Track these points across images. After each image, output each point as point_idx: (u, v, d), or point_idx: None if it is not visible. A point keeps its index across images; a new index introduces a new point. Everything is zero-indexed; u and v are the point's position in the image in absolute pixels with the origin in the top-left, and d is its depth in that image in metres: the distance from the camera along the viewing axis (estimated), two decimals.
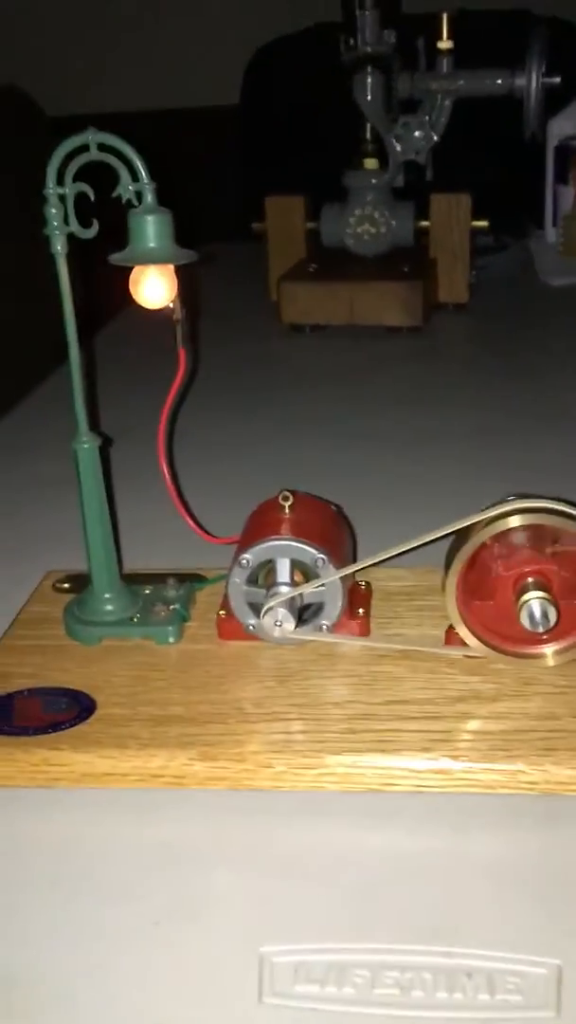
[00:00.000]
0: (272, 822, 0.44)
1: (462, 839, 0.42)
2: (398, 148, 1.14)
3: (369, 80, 1.11)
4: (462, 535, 0.47)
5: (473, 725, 0.45)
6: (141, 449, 0.61)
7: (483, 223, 1.19)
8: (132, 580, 0.56)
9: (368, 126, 1.15)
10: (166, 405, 0.52)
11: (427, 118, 1.14)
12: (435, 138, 1.13)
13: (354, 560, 0.55)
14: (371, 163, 1.17)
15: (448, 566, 0.48)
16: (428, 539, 0.48)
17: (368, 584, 0.55)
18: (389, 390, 0.98)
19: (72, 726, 0.46)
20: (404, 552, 0.48)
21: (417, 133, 1.14)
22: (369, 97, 1.12)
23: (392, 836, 0.43)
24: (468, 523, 0.47)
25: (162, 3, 2.76)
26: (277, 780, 0.44)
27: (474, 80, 1.13)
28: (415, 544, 0.47)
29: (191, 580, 0.57)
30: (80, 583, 0.57)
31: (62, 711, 0.47)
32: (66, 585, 0.58)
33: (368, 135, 1.16)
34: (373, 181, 1.17)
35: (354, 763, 0.43)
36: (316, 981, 0.36)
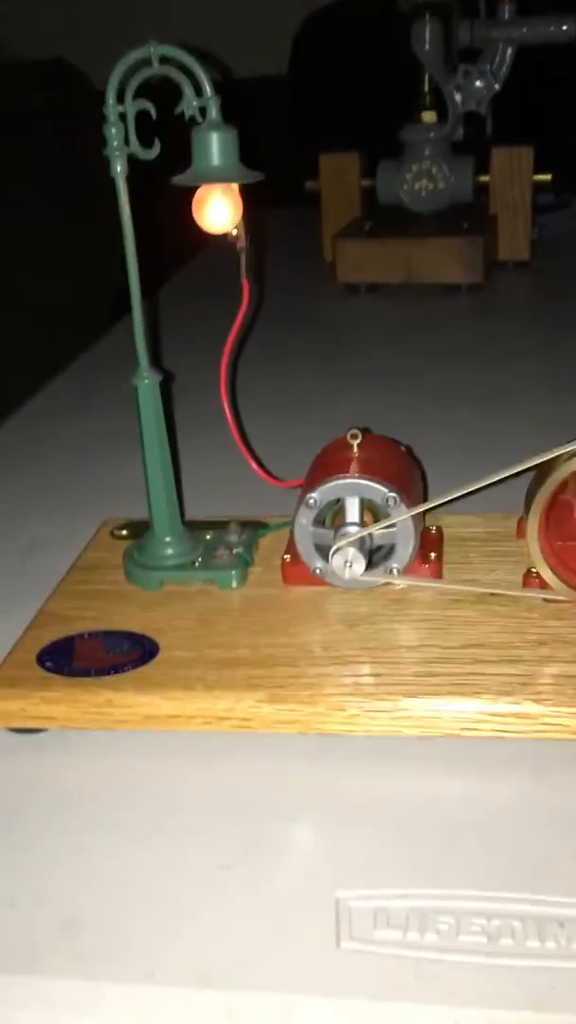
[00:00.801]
0: (343, 768, 0.42)
1: (543, 787, 0.40)
2: (458, 98, 1.10)
3: (428, 28, 1.08)
4: (543, 471, 0.45)
5: (556, 669, 0.42)
6: (201, 404, 0.60)
7: (546, 177, 1.15)
8: (193, 527, 0.54)
9: (426, 77, 1.12)
10: (230, 337, 0.50)
11: (488, 67, 1.10)
12: (496, 87, 1.10)
13: (424, 494, 0.53)
14: (429, 116, 1.13)
15: (528, 505, 0.45)
16: (506, 474, 0.45)
17: (439, 529, 0.52)
18: (451, 346, 0.95)
19: (135, 668, 0.45)
20: (482, 488, 0.45)
21: (478, 83, 1.10)
22: (428, 46, 1.08)
23: (471, 783, 0.41)
24: (548, 457, 0.44)
25: None
26: (350, 724, 0.42)
27: (537, 27, 1.10)
28: (493, 479, 0.45)
29: (253, 526, 0.55)
30: (138, 529, 0.56)
31: (124, 653, 0.46)
32: (124, 532, 0.57)
33: (426, 87, 1.13)
34: (431, 135, 1.14)
35: (431, 706, 0.41)
36: (397, 927, 0.34)
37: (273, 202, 1.60)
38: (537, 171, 1.14)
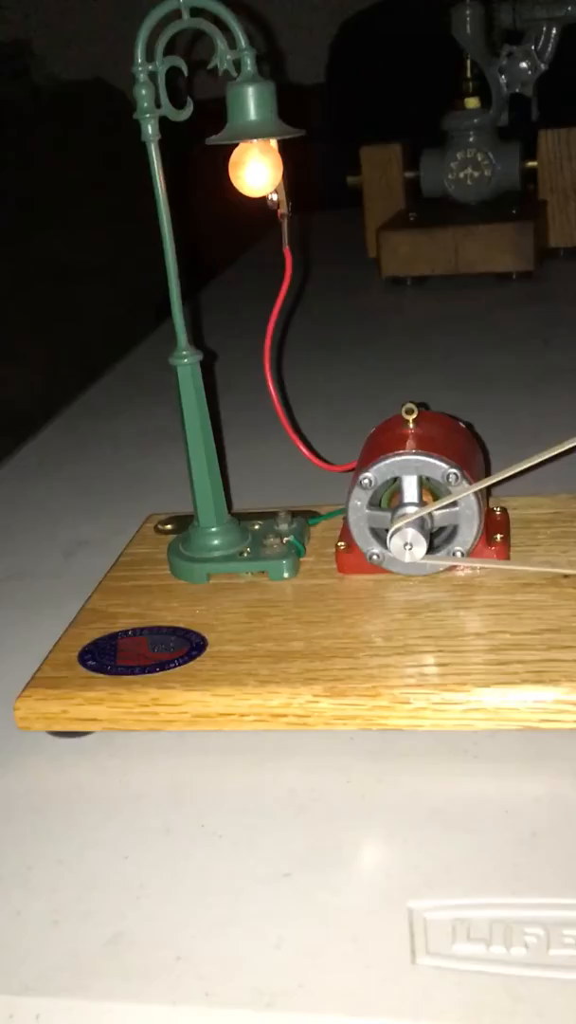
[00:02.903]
0: (408, 765, 0.38)
1: None
2: (502, 80, 1.07)
3: (468, 12, 1.04)
4: None
5: None
6: (247, 395, 0.57)
7: None
8: (240, 518, 0.51)
9: (468, 63, 1.09)
10: (274, 311, 0.47)
11: (532, 48, 1.06)
12: (542, 67, 1.06)
13: (487, 470, 0.49)
14: (472, 102, 1.10)
15: None
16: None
17: (504, 510, 0.49)
18: (505, 332, 0.91)
19: (182, 664, 0.42)
20: (552, 458, 0.41)
21: (523, 64, 1.07)
22: (469, 30, 1.05)
23: (553, 780, 0.37)
24: None
25: None
26: (416, 718, 0.38)
27: None
28: (567, 446, 0.41)
29: (304, 515, 0.51)
30: (183, 524, 0.53)
31: (170, 649, 0.43)
32: (168, 526, 0.54)
33: (468, 72, 1.09)
34: (475, 121, 1.10)
35: (506, 696, 0.38)
36: (480, 940, 0.30)
37: (315, 206, 1.59)
38: None
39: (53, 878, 0.35)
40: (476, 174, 1.12)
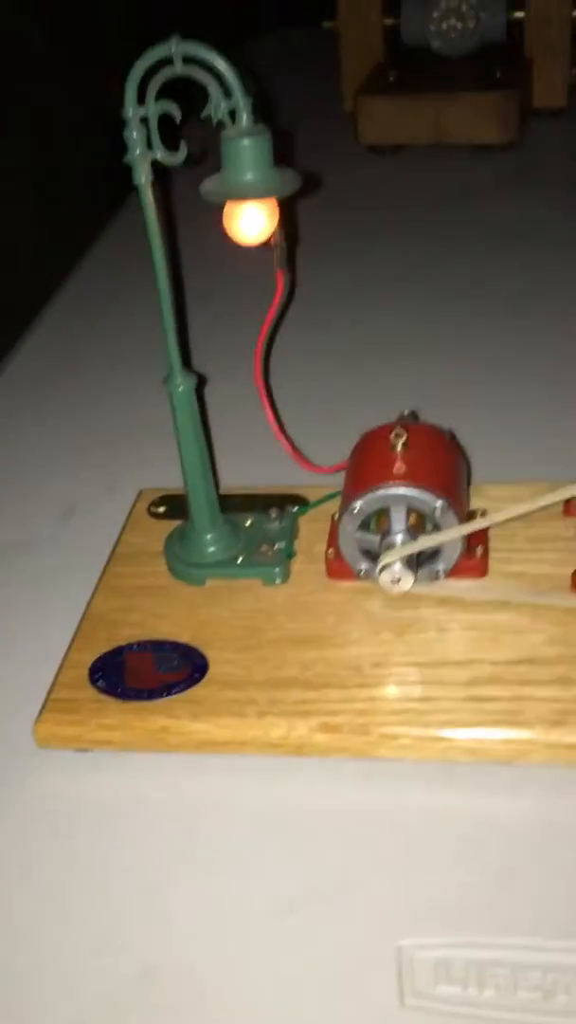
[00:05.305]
0: (399, 790, 0.43)
1: None
2: None
3: None
4: None
5: None
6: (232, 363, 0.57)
7: None
8: (230, 505, 0.53)
9: None
10: (263, 330, 0.47)
11: None
12: None
13: (468, 487, 0.52)
14: None
15: None
16: (557, 498, 0.44)
17: (486, 513, 0.51)
18: (483, 239, 0.89)
19: (186, 688, 0.45)
20: (528, 512, 0.44)
21: None
22: None
23: (528, 806, 0.42)
24: None
25: None
26: (402, 751, 0.43)
27: None
28: (543, 503, 0.43)
29: (292, 505, 0.54)
30: (175, 506, 0.55)
31: (174, 670, 0.46)
32: (161, 509, 0.56)
33: None
34: None
35: (482, 735, 0.42)
36: (457, 981, 0.36)
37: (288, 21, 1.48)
38: None
39: (86, 906, 0.40)
40: (459, 25, 1.06)
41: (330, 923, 0.38)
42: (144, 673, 0.46)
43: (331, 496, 0.54)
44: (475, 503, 0.53)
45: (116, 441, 0.67)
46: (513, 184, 0.98)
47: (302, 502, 0.55)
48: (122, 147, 0.40)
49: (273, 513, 0.52)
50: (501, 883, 0.39)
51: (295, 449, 0.52)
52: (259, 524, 0.52)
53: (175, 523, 0.54)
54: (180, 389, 0.46)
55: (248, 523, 0.53)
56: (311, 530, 0.53)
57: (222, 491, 0.53)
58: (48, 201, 0.86)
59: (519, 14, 1.05)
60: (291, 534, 0.52)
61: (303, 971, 0.37)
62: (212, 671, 0.46)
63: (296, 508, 0.54)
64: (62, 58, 0.90)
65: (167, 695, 0.45)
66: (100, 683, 0.46)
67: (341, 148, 1.07)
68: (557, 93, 1.08)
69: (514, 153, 1.02)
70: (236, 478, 0.58)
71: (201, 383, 0.48)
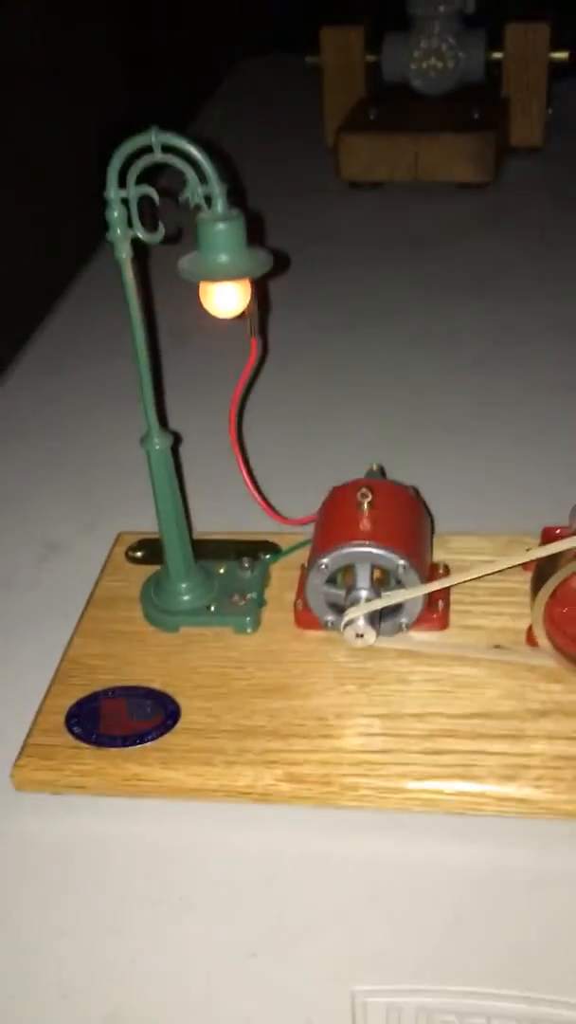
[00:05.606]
0: (358, 838, 0.45)
1: (548, 863, 0.44)
2: None
3: None
4: (549, 562, 0.46)
5: (557, 748, 0.45)
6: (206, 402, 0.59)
7: (563, 55, 1.07)
8: (203, 551, 0.55)
9: None
10: (235, 394, 0.49)
11: None
12: None
13: (432, 540, 0.54)
14: None
15: (535, 591, 0.46)
16: (519, 561, 0.46)
17: (447, 568, 0.53)
18: (454, 282, 0.91)
19: (158, 736, 0.47)
20: (487, 575, 0.46)
21: None
22: None
23: (477, 855, 0.44)
24: (555, 551, 0.45)
25: None
26: (361, 801, 0.45)
27: None
28: (496, 569, 0.46)
29: (264, 553, 0.56)
30: (152, 551, 0.57)
31: (147, 717, 0.48)
32: (139, 554, 0.58)
33: None
34: (441, 9, 1.06)
35: (437, 790, 0.44)
36: None
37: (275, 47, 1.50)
38: (554, 48, 1.07)
39: (54, 946, 0.42)
40: (440, 65, 1.09)
41: (289, 968, 0.41)
42: (118, 719, 0.48)
43: (302, 544, 0.56)
44: (438, 554, 0.55)
45: (94, 482, 0.69)
46: (488, 224, 1.00)
47: (274, 548, 0.57)
48: (104, 225, 0.42)
49: (246, 562, 0.55)
50: (451, 931, 0.41)
51: (267, 503, 0.54)
52: (232, 572, 0.55)
53: (153, 568, 0.56)
54: (157, 448, 0.49)
55: (222, 570, 0.55)
56: (282, 577, 0.55)
57: (196, 535, 0.55)
58: (17, 250, 0.88)
59: (497, 55, 1.08)
60: (262, 583, 0.54)
61: (265, 1014, 0.39)
62: (183, 719, 0.48)
63: (268, 556, 0.56)
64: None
65: (140, 743, 0.47)
66: (76, 729, 0.48)
67: (324, 180, 1.09)
68: (534, 133, 1.11)
69: (492, 190, 1.05)
70: (210, 522, 0.60)
71: (177, 442, 0.50)
